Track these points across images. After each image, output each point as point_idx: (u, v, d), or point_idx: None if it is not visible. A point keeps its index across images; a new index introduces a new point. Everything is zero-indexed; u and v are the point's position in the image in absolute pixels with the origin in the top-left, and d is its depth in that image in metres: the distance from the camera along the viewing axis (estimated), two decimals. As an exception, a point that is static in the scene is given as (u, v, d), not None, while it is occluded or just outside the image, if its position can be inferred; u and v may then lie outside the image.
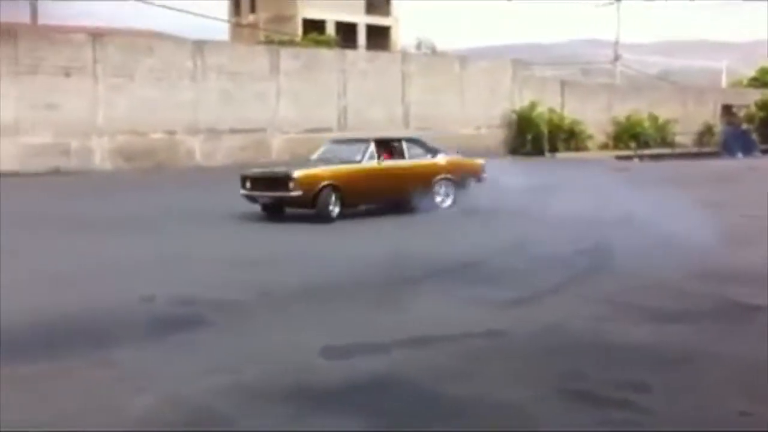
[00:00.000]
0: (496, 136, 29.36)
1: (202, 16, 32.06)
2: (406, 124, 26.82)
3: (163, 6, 28.66)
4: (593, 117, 32.60)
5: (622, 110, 33.69)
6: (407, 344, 6.26)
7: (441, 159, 14.81)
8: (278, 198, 13.13)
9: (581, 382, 5.48)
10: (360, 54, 33.36)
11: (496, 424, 4.85)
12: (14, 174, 18.92)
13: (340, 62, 26.25)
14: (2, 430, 4.52)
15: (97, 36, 22.11)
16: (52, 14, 29.43)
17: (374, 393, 5.29)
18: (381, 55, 31.51)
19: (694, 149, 34.61)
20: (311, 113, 24.69)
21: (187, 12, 30.01)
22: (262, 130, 23.90)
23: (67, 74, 20.95)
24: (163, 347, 6.19)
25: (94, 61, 21.43)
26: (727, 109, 38.64)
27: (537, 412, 5.00)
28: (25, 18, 27.72)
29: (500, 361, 5.96)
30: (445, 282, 8.46)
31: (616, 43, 43.81)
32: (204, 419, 4.82)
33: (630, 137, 32.92)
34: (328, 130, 24.24)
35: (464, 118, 28.25)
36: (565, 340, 6.47)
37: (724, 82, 57.77)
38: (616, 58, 43.66)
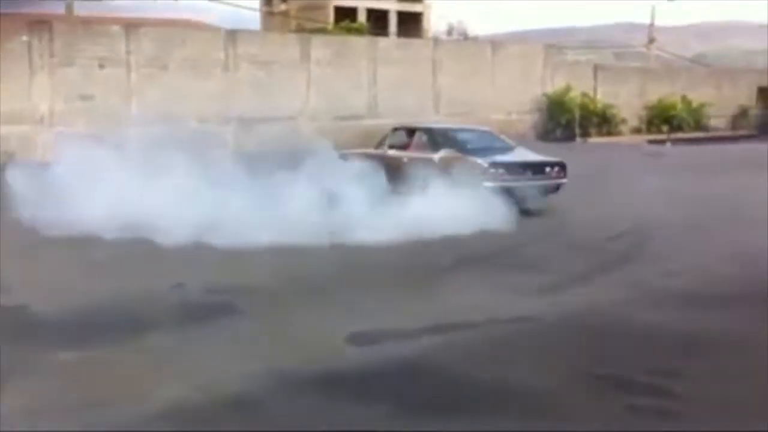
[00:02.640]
0: (527, 121, 29.21)
1: (235, 5, 32.25)
2: (437, 110, 26.78)
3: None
4: (626, 101, 32.27)
5: (656, 94, 33.29)
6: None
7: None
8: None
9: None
10: (391, 41, 33.28)
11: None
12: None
13: (371, 50, 26.25)
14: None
15: (131, 27, 22.34)
16: (87, 6, 29.68)
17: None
18: (412, 42, 31.44)
19: (729, 133, 34.15)
20: (342, 101, 24.75)
21: (220, 1, 30.19)
22: (293, 118, 24.01)
23: (101, 65, 21.21)
24: None
25: (128, 52, 21.66)
26: (763, 92, 38.02)
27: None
28: (60, 10, 28.05)
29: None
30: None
31: (651, 26, 43.26)
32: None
33: (663, 121, 32.56)
34: (359, 117, 24.31)
35: (496, 103, 28.11)
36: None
37: (760, 63, 56.81)
38: (651, 41, 43.13)
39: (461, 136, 14.20)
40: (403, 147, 14.27)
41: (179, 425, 4.72)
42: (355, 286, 8.07)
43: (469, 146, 13.48)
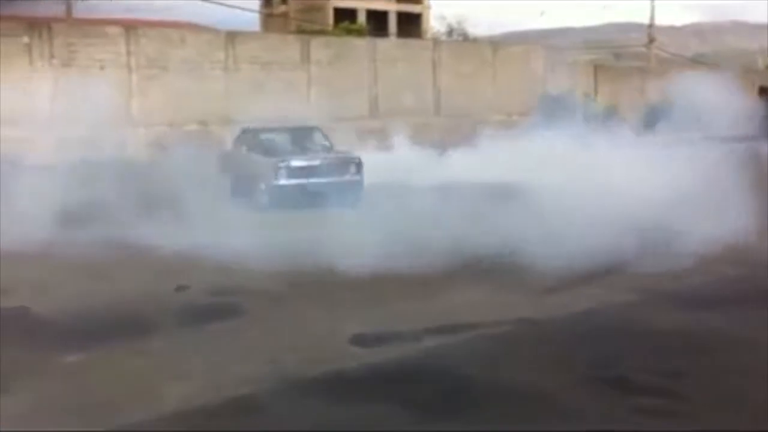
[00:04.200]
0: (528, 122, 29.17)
1: (234, 7, 32.17)
2: (438, 111, 26.77)
3: (197, -2, 28.83)
4: (627, 101, 32.26)
5: (656, 93, 33.26)
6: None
7: None
8: None
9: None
10: (391, 42, 33.27)
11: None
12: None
13: (371, 51, 26.23)
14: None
15: (131, 29, 22.33)
16: (86, 8, 29.65)
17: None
18: (412, 43, 31.44)
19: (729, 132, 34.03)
20: (342, 102, 24.72)
21: (220, 3, 30.14)
22: (294, 119, 23.95)
23: (102, 67, 21.18)
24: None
25: (128, 54, 21.64)
26: (764, 91, 37.97)
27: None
28: (60, 12, 28.01)
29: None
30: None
31: (651, 26, 43.22)
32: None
33: (662, 121, 32.49)
34: (360, 118, 24.28)
35: (496, 104, 28.09)
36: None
37: (760, 63, 56.79)
38: (651, 41, 43.08)
39: (270, 136, 15.63)
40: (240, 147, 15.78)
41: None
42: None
43: (274, 147, 15.08)
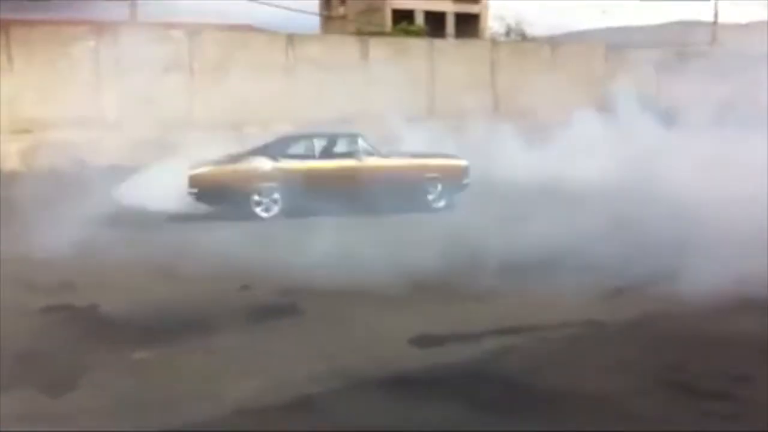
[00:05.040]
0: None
1: (295, 10, 32.49)
2: (497, 110, 26.63)
3: (258, 2, 29.17)
4: (688, 99, 31.61)
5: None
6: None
7: None
8: None
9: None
10: (449, 43, 33.23)
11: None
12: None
13: (428, 51, 26.25)
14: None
15: (194, 32, 22.71)
16: (151, 12, 30.21)
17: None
18: (470, 43, 31.39)
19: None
20: (401, 102, 24.75)
21: (281, 7, 30.48)
22: (352, 120, 24.10)
23: (166, 69, 21.57)
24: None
25: (191, 57, 22.03)
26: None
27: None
28: (124, 16, 28.59)
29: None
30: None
31: (714, 23, 42.38)
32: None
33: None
34: (418, 119, 24.29)
35: (555, 104, 27.82)
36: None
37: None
38: (714, 39, 42.22)
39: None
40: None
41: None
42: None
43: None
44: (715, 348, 6.02)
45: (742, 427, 4.70)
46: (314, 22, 43.16)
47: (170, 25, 26.26)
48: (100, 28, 21.91)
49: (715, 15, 42.46)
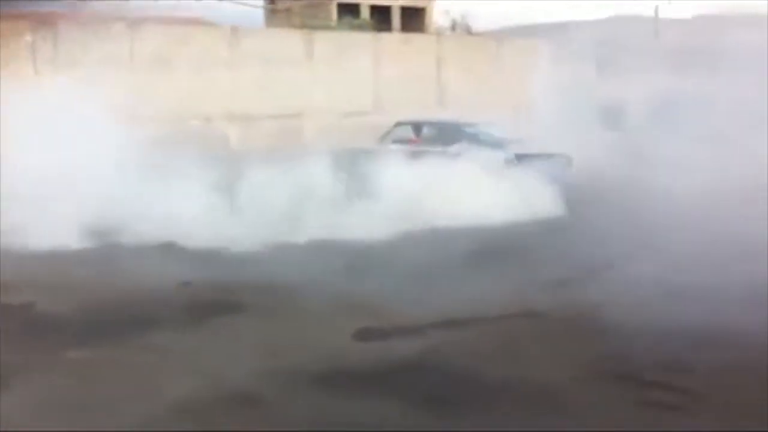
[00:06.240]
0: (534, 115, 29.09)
1: (238, 2, 32.16)
2: (442, 105, 26.68)
3: (199, -6, 28.78)
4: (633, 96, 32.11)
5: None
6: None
7: None
8: None
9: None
10: (395, 37, 33.14)
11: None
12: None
13: (374, 45, 26.18)
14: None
15: (135, 25, 22.30)
16: (94, 6, 29.58)
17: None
18: (416, 37, 31.36)
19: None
20: (346, 97, 24.68)
21: (224, -1, 30.12)
22: (297, 115, 23.95)
23: (105, 63, 21.12)
24: None
25: (131, 51, 21.62)
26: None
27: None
28: (62, 8, 27.94)
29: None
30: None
31: (656, 19, 43.02)
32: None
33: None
34: (364, 114, 24.23)
35: (501, 98, 28.01)
36: None
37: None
38: (656, 34, 42.83)
39: None
40: None
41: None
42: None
43: None
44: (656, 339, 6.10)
45: (680, 415, 4.75)
46: (260, 15, 42.76)
47: (112, 19, 25.78)
48: (38, 22, 21.37)
49: (656, 10, 43.13)
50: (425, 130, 14.63)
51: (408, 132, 14.84)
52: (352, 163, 12.46)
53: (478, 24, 45.17)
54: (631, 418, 4.69)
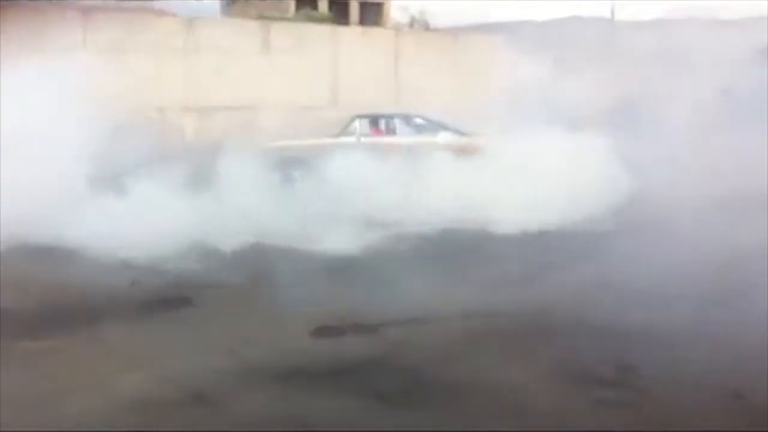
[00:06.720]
0: (491, 111, 29.24)
1: (194, -8, 31.77)
2: (398, 101, 26.70)
3: (155, -18, 28.38)
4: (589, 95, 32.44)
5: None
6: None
7: None
8: None
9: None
10: (353, 30, 33.07)
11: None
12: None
13: (332, 39, 26.09)
14: (2, 430, 4.53)
15: (88, 12, 21.92)
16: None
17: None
18: (374, 32, 31.33)
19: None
20: (303, 91, 24.55)
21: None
22: (254, 107, 23.76)
23: (56, 52, 20.74)
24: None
25: (84, 39, 21.25)
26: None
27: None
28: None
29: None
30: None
31: (612, 20, 43.52)
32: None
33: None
34: (320, 108, 24.13)
35: (457, 97, 28.11)
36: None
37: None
38: (612, 34, 43.31)
39: None
40: None
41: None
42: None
43: None
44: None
45: (631, 412, 4.81)
46: (216, 5, 42.35)
47: (64, 6, 25.32)
48: (-14, 8, 20.88)
49: (612, 11, 43.63)
50: (382, 123, 14.85)
51: (365, 125, 14.96)
52: (307, 157, 12.39)
53: (437, 21, 45.38)
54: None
